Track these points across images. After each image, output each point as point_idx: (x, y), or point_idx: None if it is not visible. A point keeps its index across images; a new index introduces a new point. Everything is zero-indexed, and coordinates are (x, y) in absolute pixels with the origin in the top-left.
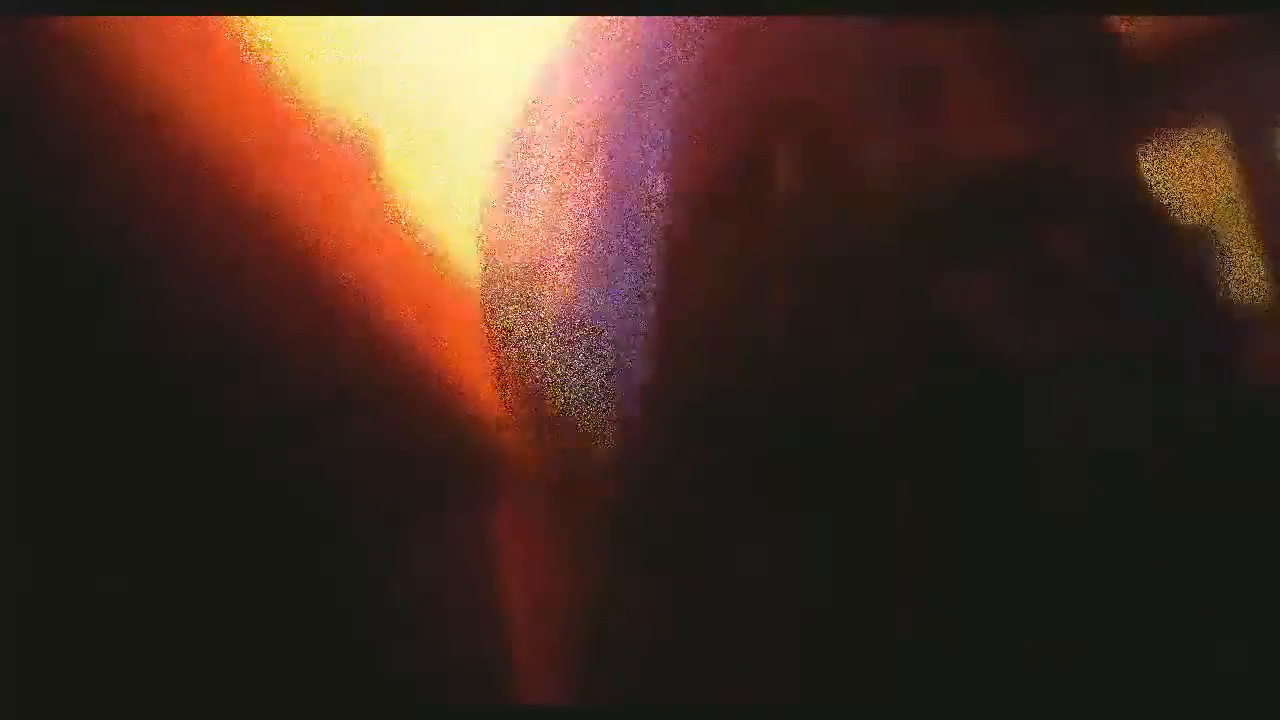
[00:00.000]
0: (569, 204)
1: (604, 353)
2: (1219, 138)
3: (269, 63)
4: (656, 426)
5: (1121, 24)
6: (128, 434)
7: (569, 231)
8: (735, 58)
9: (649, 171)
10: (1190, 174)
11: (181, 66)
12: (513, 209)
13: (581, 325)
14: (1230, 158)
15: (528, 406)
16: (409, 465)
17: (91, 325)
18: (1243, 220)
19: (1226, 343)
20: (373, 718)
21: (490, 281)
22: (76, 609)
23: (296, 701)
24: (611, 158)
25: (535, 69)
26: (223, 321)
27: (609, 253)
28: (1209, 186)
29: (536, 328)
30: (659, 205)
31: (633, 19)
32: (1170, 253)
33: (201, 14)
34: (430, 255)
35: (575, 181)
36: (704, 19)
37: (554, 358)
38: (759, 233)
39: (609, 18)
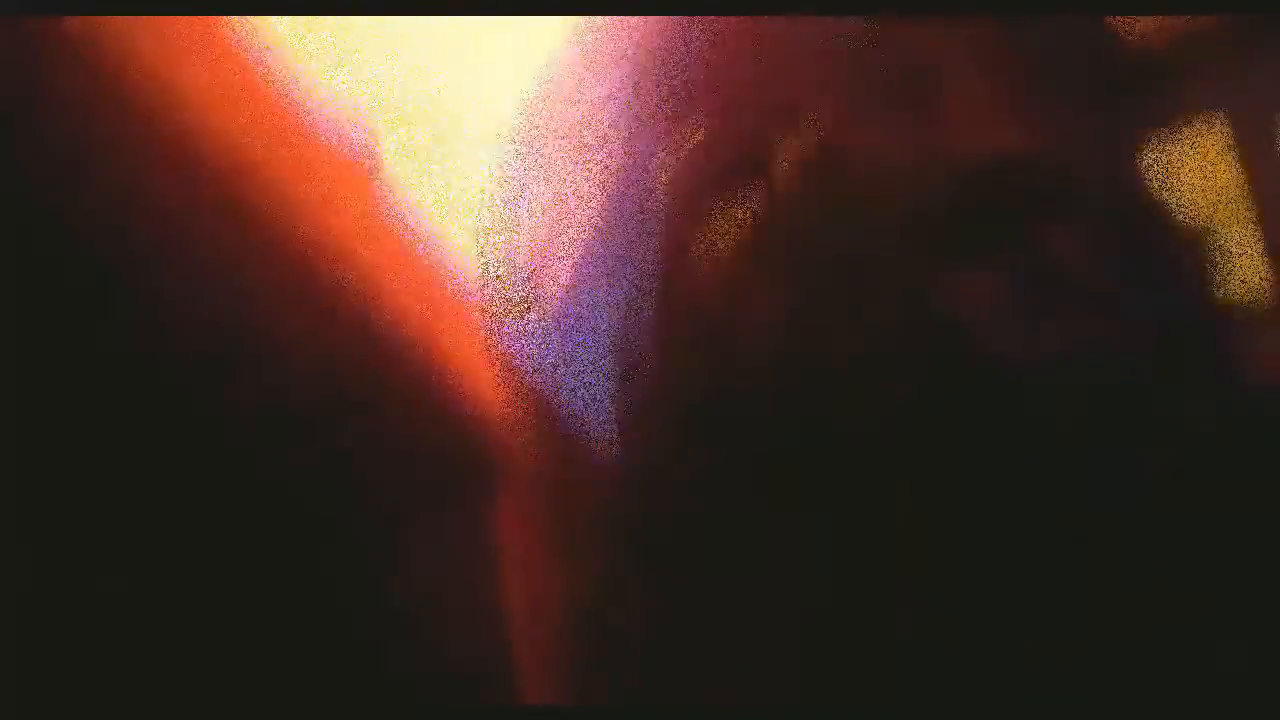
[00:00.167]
0: (570, 204)
1: (604, 352)
2: (1220, 137)
3: (269, 62)
4: (657, 426)
5: (1121, 23)
6: (128, 434)
7: (570, 231)
8: (736, 58)
9: (650, 171)
10: (1190, 173)
11: (181, 66)
12: (513, 209)
13: (582, 325)
14: (1231, 157)
15: (528, 406)
16: (409, 465)
17: (91, 325)
18: (1243, 220)
19: (1226, 343)
20: (373, 718)
21: (491, 281)
22: (76, 609)
23: (296, 701)
24: (612, 158)
25: (536, 69)
26: (223, 321)
27: (610, 253)
28: (1209, 186)
29: (537, 327)
30: (660, 205)
31: (634, 19)
32: (1170, 253)
33: (202, 14)
34: (430, 255)
35: (576, 181)
36: (705, 19)
37: (554, 358)
38: (759, 233)
39: (610, 18)
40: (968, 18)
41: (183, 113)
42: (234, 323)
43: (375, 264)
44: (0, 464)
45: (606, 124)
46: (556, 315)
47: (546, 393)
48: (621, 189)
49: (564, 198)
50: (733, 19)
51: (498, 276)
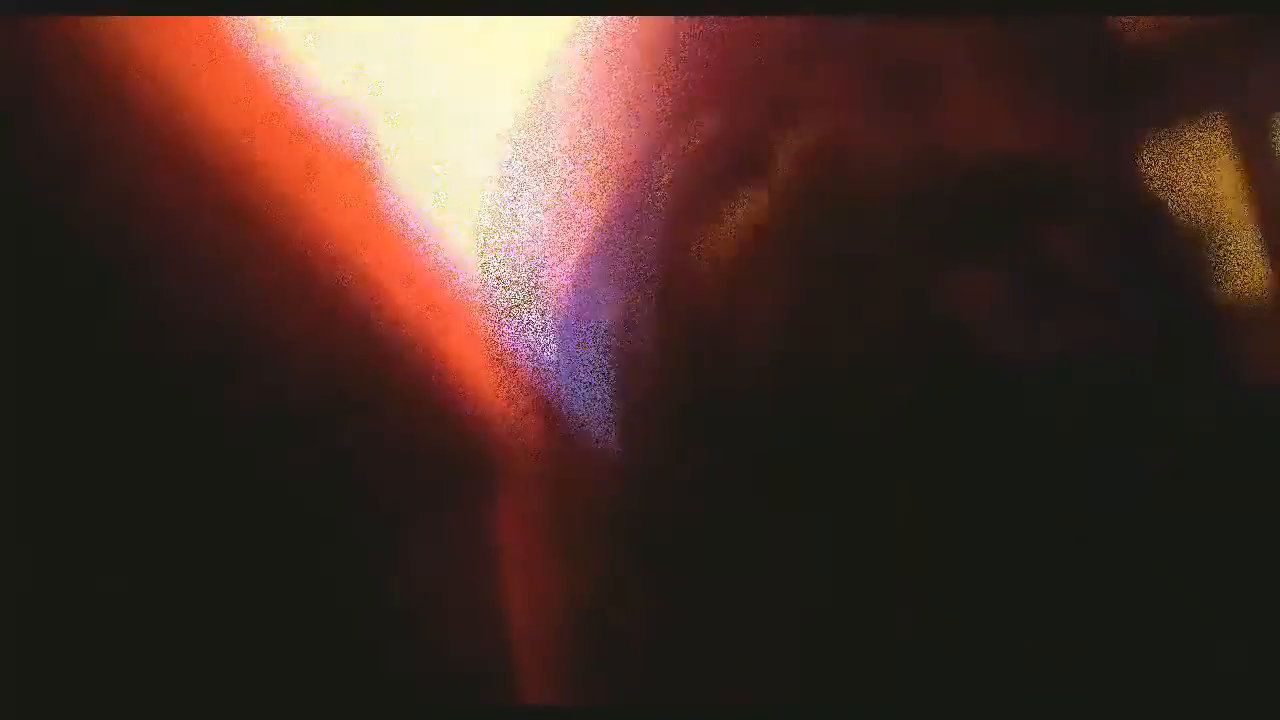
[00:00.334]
0: (570, 204)
1: (604, 352)
2: (1220, 137)
3: (269, 62)
4: (656, 426)
5: (1121, 23)
6: (127, 434)
7: (570, 231)
8: (737, 58)
9: (651, 172)
10: (1191, 173)
11: (181, 66)
12: (514, 208)
13: (582, 325)
14: (1231, 157)
15: (528, 406)
16: (409, 465)
17: (91, 325)
18: (1244, 220)
19: (1226, 343)
20: (373, 718)
21: (491, 280)
22: (76, 609)
23: (297, 701)
24: (613, 158)
25: (538, 69)
26: (222, 321)
27: (610, 253)
28: (1210, 185)
29: (537, 327)
30: (661, 205)
31: (636, 19)
32: (1170, 252)
33: (202, 14)
34: (430, 255)
35: (577, 181)
36: (706, 19)
37: (554, 357)
38: (760, 233)
39: (611, 18)
40: (968, 18)
41: (182, 113)
42: (234, 322)
43: (375, 263)
44: (0, 464)
45: (608, 124)
46: (556, 315)
47: (546, 392)
48: (622, 189)
49: (564, 198)
50: (733, 19)
51: (498, 276)
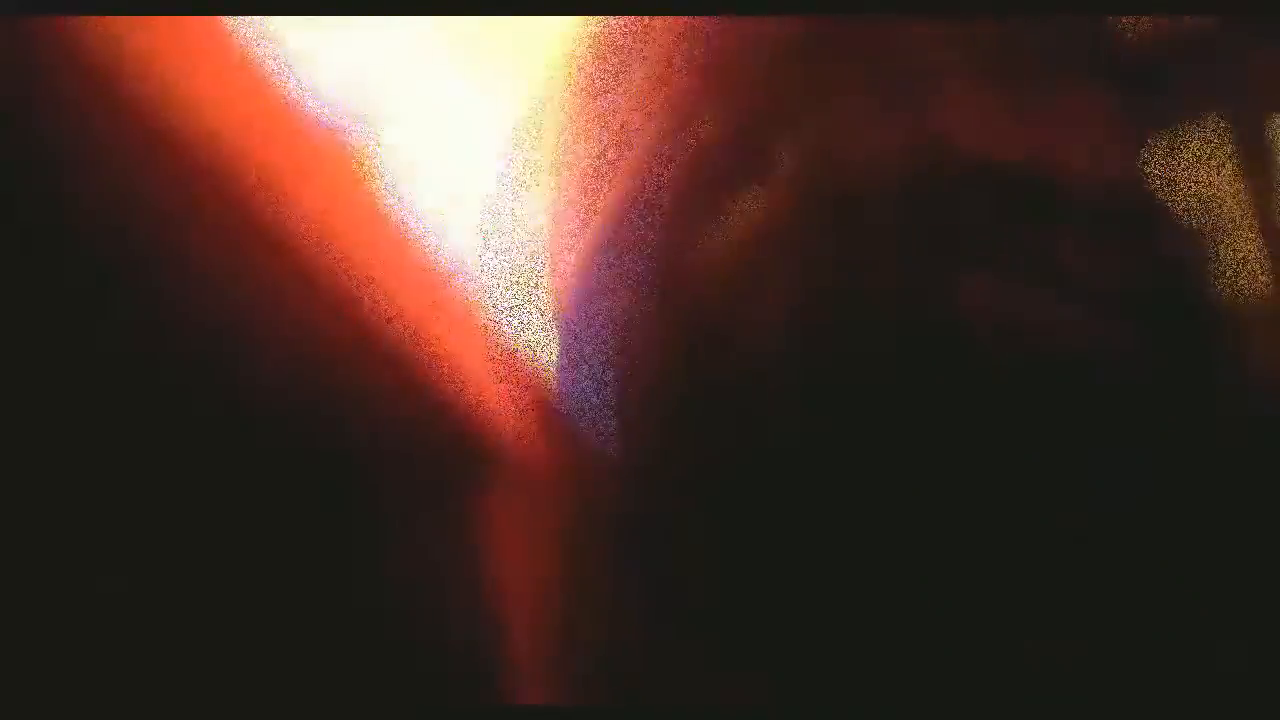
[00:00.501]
0: (571, 203)
1: (605, 352)
2: (1221, 137)
3: (269, 62)
4: (657, 426)
5: (1121, 23)
6: (125, 433)
7: (571, 231)
8: (739, 58)
9: (653, 171)
10: (1191, 173)
11: (179, 66)
12: (514, 208)
13: (582, 324)
14: (1232, 157)
15: (528, 406)
16: (408, 464)
17: (89, 325)
18: (1244, 220)
19: (1226, 343)
20: (372, 718)
21: (492, 281)
22: (76, 609)
23: (295, 701)
24: (615, 157)
25: (539, 69)
26: (221, 321)
27: (611, 252)
28: (1210, 185)
29: (537, 327)
30: (663, 205)
31: (636, 19)
32: (1170, 252)
33: (201, 14)
34: (431, 254)
35: (578, 181)
36: (707, 20)
37: (554, 357)
38: (762, 233)
39: (613, 18)
40: (967, 18)
41: (180, 113)
42: (232, 323)
43: (374, 263)
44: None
45: (608, 123)
46: (556, 315)
47: (546, 392)
48: (623, 189)
49: (565, 198)
50: (735, 20)
51: (498, 276)
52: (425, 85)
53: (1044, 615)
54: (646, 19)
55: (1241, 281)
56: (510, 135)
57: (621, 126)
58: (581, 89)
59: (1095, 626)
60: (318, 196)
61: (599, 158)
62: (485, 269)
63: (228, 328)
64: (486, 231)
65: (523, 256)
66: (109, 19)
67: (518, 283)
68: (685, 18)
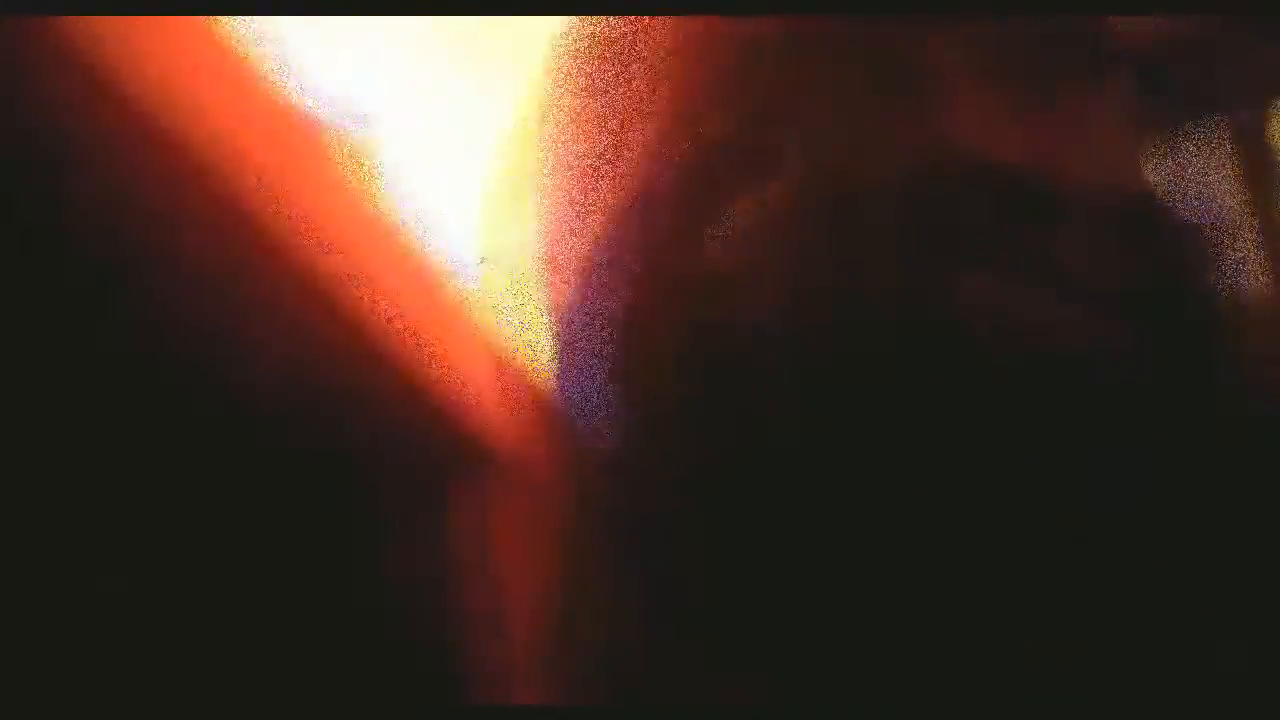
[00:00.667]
0: (571, 203)
1: (605, 352)
2: (1221, 137)
3: (268, 63)
4: (657, 426)
5: (1121, 23)
6: (123, 433)
7: (570, 231)
8: (739, 58)
9: (653, 172)
10: (1191, 173)
11: (178, 66)
12: (514, 209)
13: (583, 324)
14: (1232, 157)
15: (527, 405)
16: (408, 464)
17: (88, 325)
18: (1244, 219)
19: (1226, 343)
20: (372, 717)
21: (491, 281)
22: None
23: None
24: (613, 157)
25: (538, 70)
26: (220, 321)
27: (611, 252)
28: (1211, 185)
29: (537, 327)
30: (663, 205)
31: (636, 19)
32: (1170, 253)
33: (200, 14)
34: (431, 254)
35: (576, 181)
36: (707, 20)
37: (554, 357)
38: (760, 232)
39: (613, 18)
40: (968, 18)
41: (179, 114)
42: (232, 323)
43: (375, 263)
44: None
45: (608, 125)
46: (556, 314)
47: (546, 392)
48: (624, 189)
49: (565, 198)
50: (735, 20)
51: (497, 276)
52: (424, 85)
53: (1044, 615)
54: (646, 19)
55: (1241, 281)
56: (509, 135)
57: (621, 126)
58: (581, 89)
59: (1095, 626)
60: (317, 197)
61: (598, 157)
62: (484, 269)
63: (226, 328)
64: (486, 231)
65: (522, 256)
66: (108, 19)
67: (517, 282)
68: (685, 18)
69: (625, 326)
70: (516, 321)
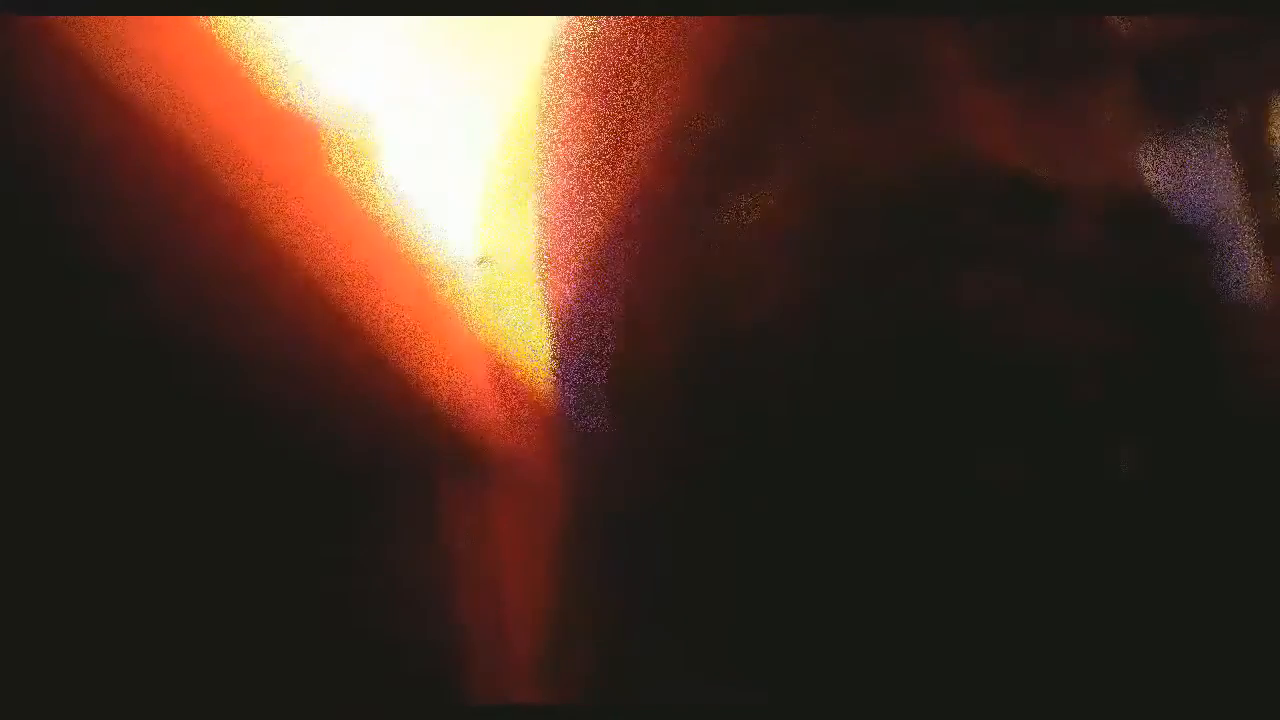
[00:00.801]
0: (570, 202)
1: (604, 352)
2: (1221, 137)
3: (267, 62)
4: (656, 426)
5: (1121, 23)
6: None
7: (570, 231)
8: (739, 58)
9: (651, 170)
10: (1191, 173)
11: (179, 67)
12: (513, 209)
13: (582, 324)
14: (1232, 157)
15: (527, 406)
16: (407, 465)
17: (89, 325)
18: (1244, 220)
19: (1226, 343)
20: (373, 717)
21: (491, 281)
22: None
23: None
24: (614, 158)
25: (537, 69)
26: (220, 321)
27: (609, 253)
28: (1210, 185)
29: (536, 327)
30: (660, 205)
31: (636, 19)
32: (1170, 253)
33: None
34: (430, 254)
35: (576, 180)
36: (707, 20)
37: (554, 358)
38: (759, 231)
39: (613, 18)
40: (968, 18)
41: (178, 113)
42: (231, 323)
43: (373, 264)
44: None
45: (607, 122)
46: (555, 314)
47: (545, 392)
48: (622, 188)
49: (564, 198)
50: (735, 20)
51: (496, 277)
52: (424, 85)
53: (1044, 615)
54: (646, 19)
55: (1241, 281)
56: (509, 135)
57: (621, 126)
58: (581, 89)
59: (1095, 626)
60: (316, 197)
61: (598, 157)
62: (484, 269)
63: (225, 328)
64: (485, 232)
65: (521, 256)
66: (108, 19)
67: (516, 283)
68: (685, 17)
69: (625, 326)
70: (515, 321)
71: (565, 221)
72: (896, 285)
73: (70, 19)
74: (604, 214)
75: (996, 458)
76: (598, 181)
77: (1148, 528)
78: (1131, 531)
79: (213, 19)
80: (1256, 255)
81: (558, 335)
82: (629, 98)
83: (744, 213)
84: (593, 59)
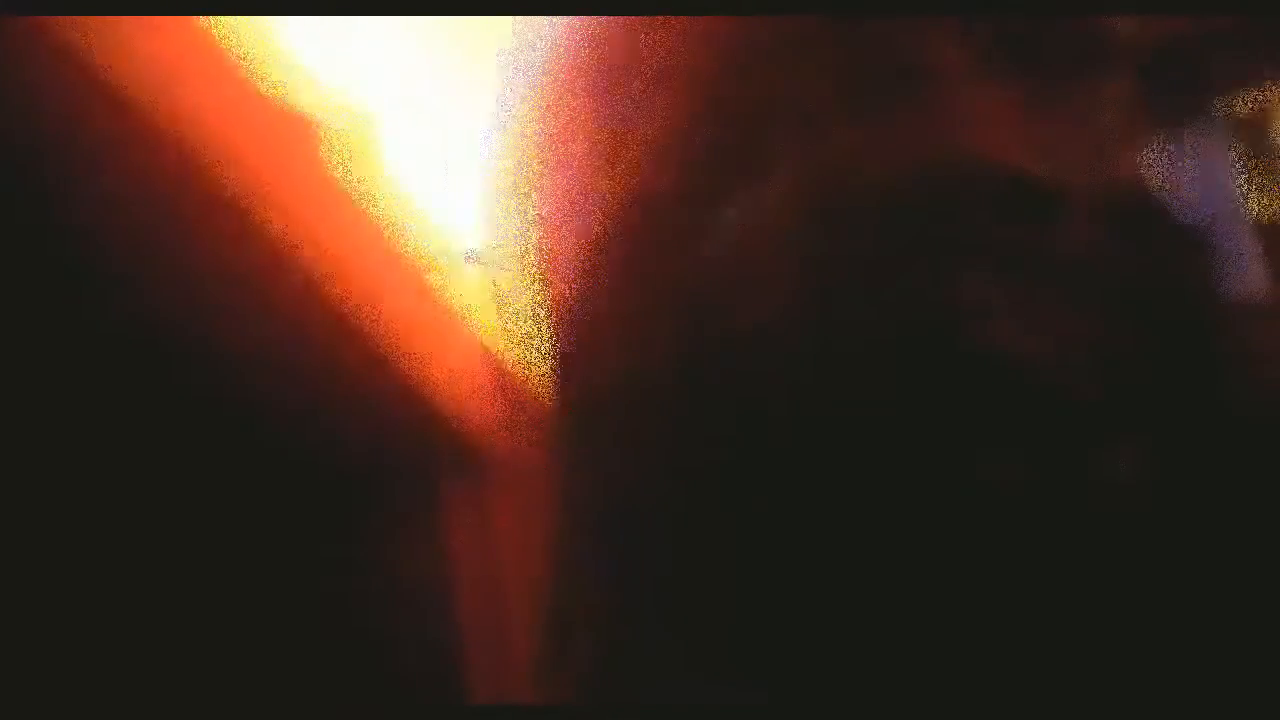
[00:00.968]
0: (571, 203)
1: (604, 352)
2: (1221, 137)
3: (266, 61)
4: (656, 426)
5: (1122, 23)
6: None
7: (570, 231)
8: (739, 58)
9: (651, 170)
10: (1191, 173)
11: (178, 67)
12: (513, 209)
13: (581, 324)
14: (1232, 156)
15: (527, 406)
16: (405, 465)
17: (88, 325)
18: (1243, 220)
19: (1226, 343)
20: (373, 717)
21: (489, 281)
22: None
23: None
24: (614, 158)
25: (537, 69)
26: (219, 321)
27: (609, 253)
28: (1210, 186)
29: (536, 327)
30: (660, 205)
31: (636, 19)
32: (1170, 252)
33: (200, 14)
34: (429, 255)
35: (576, 180)
36: (706, 20)
37: (553, 358)
38: (764, 233)
39: (614, 18)
40: (967, 18)
41: (177, 113)
42: (231, 323)
43: (373, 264)
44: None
45: (607, 122)
46: (555, 315)
47: (544, 393)
48: (622, 188)
49: (565, 198)
50: (735, 20)
51: (495, 277)
52: (423, 85)
53: (1044, 615)
54: (646, 19)
55: (1241, 281)
56: (509, 134)
57: (621, 125)
58: (581, 89)
59: (1096, 626)
60: (315, 197)
61: (598, 157)
62: (482, 269)
63: (224, 328)
64: (484, 231)
65: (521, 256)
66: (108, 19)
67: (516, 282)
68: (686, 17)
69: (625, 326)
70: (515, 321)
71: (565, 221)
72: (896, 285)
73: (69, 19)
74: (604, 214)
75: (996, 458)
76: (597, 181)
77: (1148, 528)
78: (1132, 532)
79: (212, 19)
80: (1256, 255)
81: (558, 335)
82: (629, 98)
83: (745, 212)
84: (593, 59)
